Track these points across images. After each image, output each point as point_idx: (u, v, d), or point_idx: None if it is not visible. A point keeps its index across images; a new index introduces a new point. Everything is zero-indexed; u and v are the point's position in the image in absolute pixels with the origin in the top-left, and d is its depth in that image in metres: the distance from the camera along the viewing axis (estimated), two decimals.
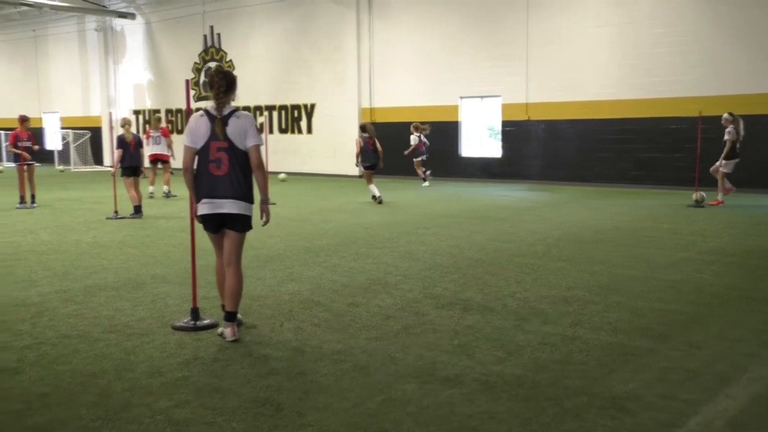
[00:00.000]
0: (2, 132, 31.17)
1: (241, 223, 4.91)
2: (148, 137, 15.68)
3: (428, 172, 19.33)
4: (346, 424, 3.45)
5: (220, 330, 4.94)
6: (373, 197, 14.39)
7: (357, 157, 14.94)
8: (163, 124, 16.24)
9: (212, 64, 25.71)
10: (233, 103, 4.96)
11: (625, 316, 5.46)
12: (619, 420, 3.53)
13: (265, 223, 5.02)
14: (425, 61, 20.62)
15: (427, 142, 19.23)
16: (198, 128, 4.81)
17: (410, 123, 21.05)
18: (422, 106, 20.84)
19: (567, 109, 18.28)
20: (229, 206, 4.81)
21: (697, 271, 7.16)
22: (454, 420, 3.53)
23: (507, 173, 19.55)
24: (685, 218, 11.47)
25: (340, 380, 4.06)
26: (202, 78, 26.03)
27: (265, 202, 5.01)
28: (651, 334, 4.99)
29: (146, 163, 14.32)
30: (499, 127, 19.88)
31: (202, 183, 4.84)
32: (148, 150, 15.23)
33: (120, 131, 12.38)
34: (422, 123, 19.32)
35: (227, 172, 4.78)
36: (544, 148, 18.91)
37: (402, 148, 21.18)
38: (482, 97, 19.95)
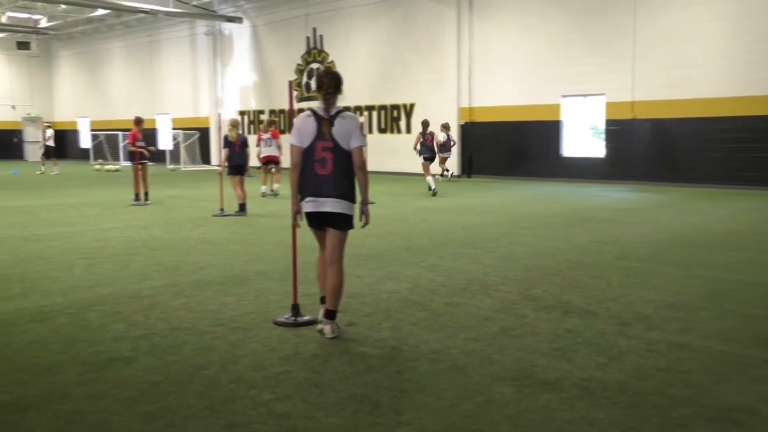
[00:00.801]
0: (120, 133, 33.06)
1: (343, 222, 4.97)
2: (260, 140, 16.20)
3: (449, 172, 20.67)
4: (443, 424, 3.45)
5: (319, 327, 5.04)
6: (429, 188, 15.93)
7: (415, 147, 16.99)
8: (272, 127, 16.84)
9: (315, 65, 26.29)
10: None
11: (739, 324, 5.18)
12: None
13: (365, 224, 5.08)
14: (526, 60, 20.30)
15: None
16: (305, 128, 4.90)
17: (510, 122, 20.82)
18: (522, 105, 20.53)
19: (676, 107, 17.52)
20: (331, 205, 4.89)
21: None
22: (552, 425, 3.45)
23: (610, 173, 18.96)
24: None
25: (437, 380, 4.06)
26: (305, 79, 26.65)
27: (365, 203, 5.06)
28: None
29: (255, 163, 14.81)
30: (602, 126, 19.31)
31: (306, 182, 4.93)
32: (261, 151, 16.02)
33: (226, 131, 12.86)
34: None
35: (331, 171, 4.86)
36: (650, 147, 18.21)
37: (501, 149, 20.98)
38: (585, 95, 19.43)
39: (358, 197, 5.02)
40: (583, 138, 20.17)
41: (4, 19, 32.66)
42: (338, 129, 4.86)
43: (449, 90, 22.16)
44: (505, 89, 20.91)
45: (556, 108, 19.93)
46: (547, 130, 20.13)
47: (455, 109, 22.04)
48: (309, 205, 4.95)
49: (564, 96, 19.77)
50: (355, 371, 4.22)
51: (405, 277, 6.97)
